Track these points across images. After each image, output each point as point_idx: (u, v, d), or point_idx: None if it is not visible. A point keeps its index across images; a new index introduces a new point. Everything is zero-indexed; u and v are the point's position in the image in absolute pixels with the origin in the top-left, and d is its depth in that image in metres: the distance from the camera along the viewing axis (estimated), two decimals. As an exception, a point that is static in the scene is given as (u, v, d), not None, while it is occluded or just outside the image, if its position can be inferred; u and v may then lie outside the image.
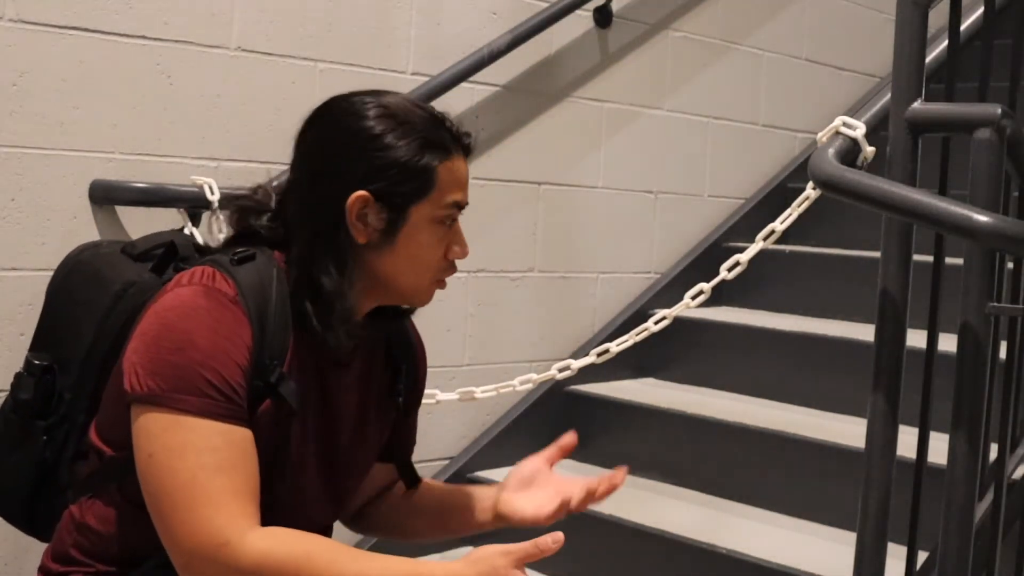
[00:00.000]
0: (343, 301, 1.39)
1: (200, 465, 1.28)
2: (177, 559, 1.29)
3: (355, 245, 1.39)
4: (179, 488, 1.28)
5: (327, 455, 1.48)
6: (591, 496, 1.52)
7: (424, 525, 1.64)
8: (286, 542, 1.29)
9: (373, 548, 1.80)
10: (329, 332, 1.39)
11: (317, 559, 1.28)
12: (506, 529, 1.55)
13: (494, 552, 1.29)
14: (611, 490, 1.54)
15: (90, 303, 1.51)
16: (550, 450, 1.59)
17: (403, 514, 1.64)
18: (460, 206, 1.43)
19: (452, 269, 1.47)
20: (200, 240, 2.01)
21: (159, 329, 1.32)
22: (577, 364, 2.47)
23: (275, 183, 1.53)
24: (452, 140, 1.41)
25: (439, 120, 1.42)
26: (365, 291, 1.44)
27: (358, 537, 2.04)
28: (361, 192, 1.37)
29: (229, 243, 1.48)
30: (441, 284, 1.48)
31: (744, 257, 2.30)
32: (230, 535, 1.26)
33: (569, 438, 1.59)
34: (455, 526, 1.62)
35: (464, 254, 1.46)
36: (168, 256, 1.55)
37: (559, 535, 1.30)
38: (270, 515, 1.33)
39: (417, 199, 1.39)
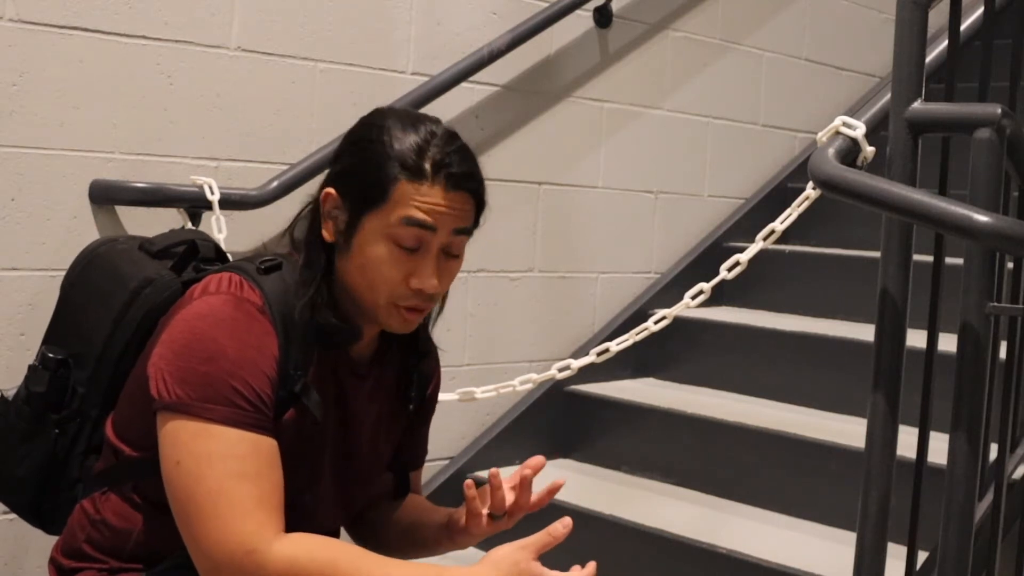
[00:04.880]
0: (306, 288, 1.40)
1: (227, 473, 1.29)
2: (202, 565, 1.30)
3: (326, 244, 1.42)
4: (206, 496, 1.28)
5: (343, 462, 1.50)
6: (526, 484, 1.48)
7: (391, 534, 1.63)
8: (312, 549, 1.30)
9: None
10: (306, 310, 1.39)
11: (342, 565, 1.29)
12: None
13: (512, 549, 1.31)
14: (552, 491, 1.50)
15: (107, 298, 1.52)
16: (515, 475, 1.50)
17: (382, 525, 1.64)
18: (420, 225, 1.37)
19: (418, 299, 1.40)
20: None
21: (188, 338, 1.33)
22: (577, 364, 2.47)
23: None
24: (431, 168, 1.37)
25: (424, 144, 1.38)
26: (345, 297, 1.44)
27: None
28: (330, 188, 1.41)
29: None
30: (405, 311, 1.41)
31: (744, 257, 2.30)
32: (257, 543, 1.27)
33: (536, 462, 1.50)
34: (419, 535, 1.60)
35: (425, 286, 1.39)
36: (188, 256, 1.55)
37: (567, 520, 1.33)
38: (284, 520, 1.33)
39: (369, 208, 1.38)
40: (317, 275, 1.41)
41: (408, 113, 1.47)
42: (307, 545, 1.30)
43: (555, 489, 1.50)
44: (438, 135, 1.40)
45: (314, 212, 1.45)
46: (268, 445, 1.33)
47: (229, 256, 1.69)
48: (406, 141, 1.38)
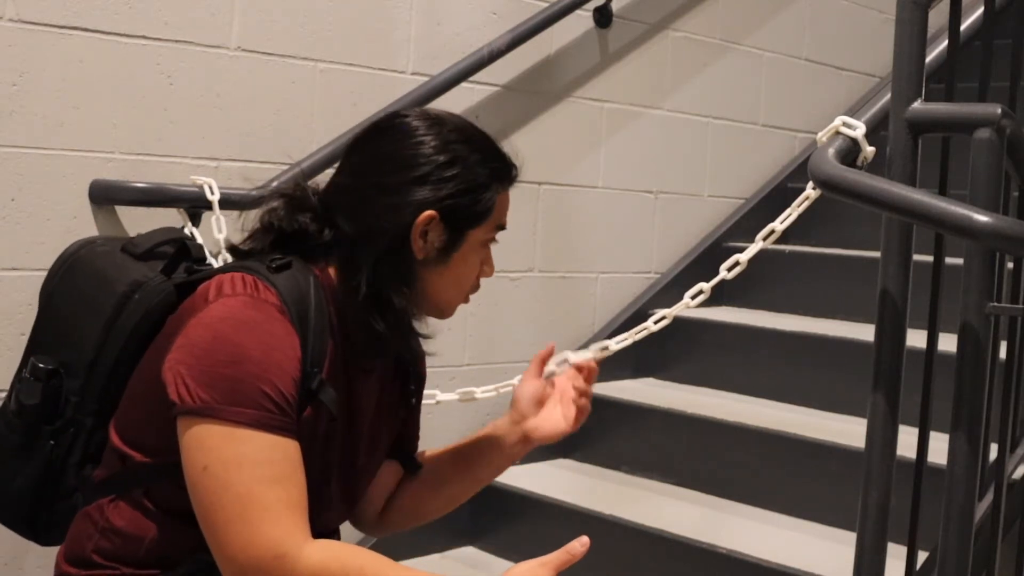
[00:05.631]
0: (412, 316, 1.45)
1: (257, 478, 1.28)
2: (230, 570, 1.29)
3: (415, 260, 1.42)
4: (235, 500, 1.27)
5: (348, 459, 1.49)
6: (590, 374, 1.58)
7: (454, 491, 1.66)
8: (340, 556, 1.30)
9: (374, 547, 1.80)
10: (404, 348, 1.47)
11: (370, 574, 1.29)
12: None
13: (531, 567, 1.32)
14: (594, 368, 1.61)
15: (95, 304, 1.48)
16: (533, 367, 1.61)
17: (424, 495, 1.65)
18: (504, 226, 1.49)
19: (477, 288, 1.52)
20: (199, 239, 2.01)
21: (210, 341, 1.31)
22: (577, 364, 2.47)
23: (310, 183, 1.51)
24: (507, 170, 1.47)
25: (498, 147, 1.48)
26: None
27: (359, 535, 2.04)
28: (431, 211, 1.39)
29: (273, 242, 1.44)
30: (466, 300, 1.53)
31: (744, 257, 2.29)
32: (287, 548, 1.27)
33: (545, 350, 1.61)
34: (486, 473, 1.65)
35: (489, 275, 1.52)
36: (179, 257, 1.53)
37: (585, 539, 1.34)
38: None
39: (476, 224, 1.44)
40: (415, 296, 1.44)
41: (430, 112, 1.50)
42: (337, 551, 1.30)
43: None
44: (484, 132, 1.49)
45: (400, 241, 1.40)
46: (294, 448, 1.32)
47: (213, 258, 1.66)
48: (487, 148, 1.46)
